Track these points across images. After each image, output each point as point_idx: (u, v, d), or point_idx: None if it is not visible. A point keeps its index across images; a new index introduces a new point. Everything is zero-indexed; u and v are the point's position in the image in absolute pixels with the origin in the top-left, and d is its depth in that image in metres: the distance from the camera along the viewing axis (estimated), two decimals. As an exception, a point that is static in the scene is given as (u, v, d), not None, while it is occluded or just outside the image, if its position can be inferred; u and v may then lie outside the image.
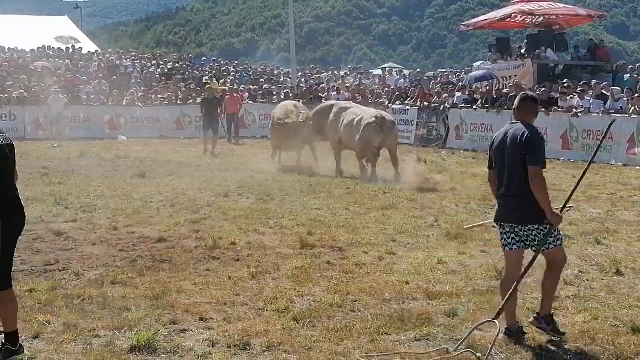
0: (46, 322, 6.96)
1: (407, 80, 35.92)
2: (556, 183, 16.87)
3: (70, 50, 40.54)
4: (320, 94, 33.35)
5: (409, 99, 30.46)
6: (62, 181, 16.88)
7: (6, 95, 31.60)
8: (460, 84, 31.03)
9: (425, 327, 6.84)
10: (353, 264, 9.31)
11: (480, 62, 36.11)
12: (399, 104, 30.36)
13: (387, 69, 44.64)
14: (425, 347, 6.46)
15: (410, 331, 6.79)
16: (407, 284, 8.30)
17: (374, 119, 18.60)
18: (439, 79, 35.39)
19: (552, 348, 6.50)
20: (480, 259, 9.64)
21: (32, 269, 9.03)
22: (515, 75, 29.43)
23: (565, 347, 6.50)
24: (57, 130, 28.12)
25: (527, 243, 6.72)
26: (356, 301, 7.69)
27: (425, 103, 29.10)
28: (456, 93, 28.30)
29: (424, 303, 7.68)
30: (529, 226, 6.59)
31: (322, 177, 17.74)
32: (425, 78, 36.35)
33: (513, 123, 6.78)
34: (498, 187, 6.78)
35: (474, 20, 36.98)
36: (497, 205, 6.88)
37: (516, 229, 6.68)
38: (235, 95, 30.99)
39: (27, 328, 6.78)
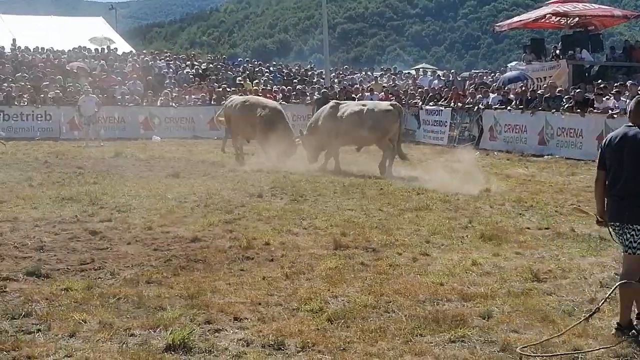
0: (82, 320, 7.00)
1: (441, 81, 35.79)
2: (591, 185, 16.74)
3: (106, 50, 40.82)
4: (353, 95, 33.30)
5: (442, 99, 30.36)
6: (97, 181, 17.00)
7: (42, 95, 31.90)
8: (495, 84, 30.85)
9: (460, 329, 6.81)
10: (387, 264, 9.29)
11: (516, 62, 35.85)
12: (432, 105, 30.26)
13: (420, 69, 44.54)
14: (459, 348, 6.43)
15: (445, 332, 6.76)
16: (442, 285, 8.27)
17: (391, 106, 19.48)
18: (473, 79, 35.20)
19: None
20: (514, 260, 9.58)
21: (68, 268, 9.09)
22: (550, 76, 29.21)
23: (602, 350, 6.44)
24: (93, 130, 28.34)
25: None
26: (390, 302, 7.67)
27: (459, 104, 28.99)
28: (490, 94, 28.12)
29: (458, 304, 7.65)
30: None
31: (356, 178, 17.70)
32: (459, 79, 36.17)
33: (630, 126, 6.87)
34: (611, 186, 6.85)
35: (508, 21, 36.74)
36: (609, 205, 6.89)
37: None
38: (268, 95, 31.04)
39: (63, 326, 6.82)
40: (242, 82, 36.53)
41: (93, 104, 28.56)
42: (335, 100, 22.28)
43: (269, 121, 20.83)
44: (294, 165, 19.31)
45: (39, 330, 6.76)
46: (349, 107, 20.25)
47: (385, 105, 20.32)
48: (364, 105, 20.35)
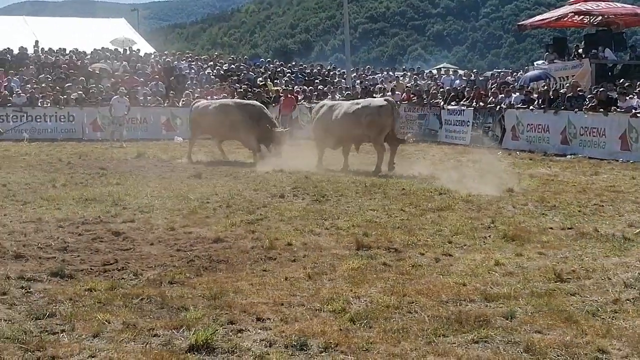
0: (106, 321, 7.03)
1: (463, 80, 35.71)
2: (615, 184, 16.70)
3: (128, 52, 41.00)
4: (375, 95, 33.29)
5: (465, 99, 30.29)
6: (119, 182, 17.08)
7: (64, 96, 32.09)
8: (517, 84, 30.74)
9: (483, 329, 6.79)
10: (409, 265, 9.27)
11: (541, 61, 35.71)
12: (454, 105, 30.20)
13: (442, 69, 44.45)
14: (483, 349, 6.42)
15: (468, 333, 6.74)
16: (464, 286, 8.24)
17: (385, 102, 19.80)
18: (495, 79, 35.09)
19: None
20: (538, 260, 9.54)
21: (91, 269, 9.12)
22: (573, 76, 29.07)
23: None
24: (119, 131, 28.55)
25: None
26: (413, 302, 7.65)
27: (481, 103, 28.91)
28: (513, 93, 28.02)
29: (481, 305, 7.62)
30: None
31: (377, 178, 17.70)
32: (481, 78, 36.07)
33: None
34: None
35: (530, 20, 36.58)
36: None
37: None
38: (289, 96, 31.08)
39: (87, 327, 6.86)
40: (264, 83, 36.60)
41: (124, 106, 28.83)
42: (328, 101, 22.58)
43: (252, 119, 21.82)
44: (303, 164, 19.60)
45: (63, 330, 6.79)
46: (343, 106, 20.54)
47: (379, 101, 20.57)
48: (357, 103, 20.58)
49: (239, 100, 26.01)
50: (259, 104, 24.00)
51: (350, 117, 19.90)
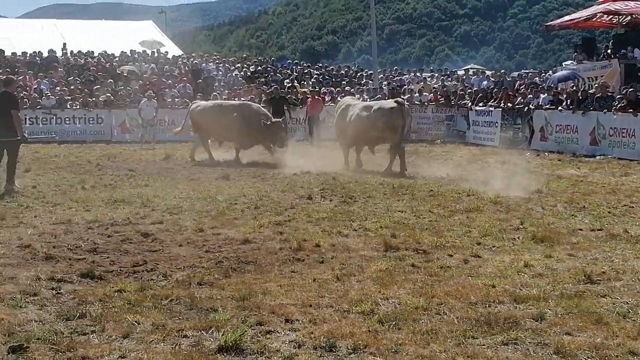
0: (135, 322, 7.06)
1: (490, 81, 35.57)
2: (645, 185, 16.58)
3: (156, 54, 41.21)
4: (402, 96, 33.25)
5: (492, 100, 30.16)
6: (148, 183, 17.16)
7: (93, 99, 32.32)
8: (545, 84, 30.58)
9: (513, 331, 6.75)
10: (438, 266, 9.24)
11: (570, 62, 35.51)
12: (482, 106, 30.09)
13: (470, 70, 44.31)
14: (512, 351, 6.38)
15: (497, 335, 6.70)
16: (493, 287, 8.21)
17: (395, 104, 19.93)
18: (523, 79, 34.91)
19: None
20: (567, 262, 9.47)
21: (120, 270, 9.17)
22: (602, 76, 28.89)
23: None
24: (149, 134, 28.76)
25: None
26: (441, 304, 7.62)
27: (509, 104, 28.78)
28: (541, 94, 27.86)
29: (510, 306, 7.58)
30: None
31: (404, 179, 17.68)
32: (509, 79, 35.92)
33: None
34: None
35: (558, 21, 36.38)
36: None
37: None
38: (317, 97, 31.08)
39: (116, 327, 6.89)
40: (291, 84, 36.64)
41: (153, 109, 29.07)
42: (349, 99, 22.72)
43: (252, 118, 22.30)
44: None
45: (93, 331, 6.82)
46: (356, 108, 20.79)
47: (389, 103, 20.64)
48: (369, 106, 20.78)
49: (233, 101, 26.72)
50: (254, 104, 24.83)
51: (363, 119, 20.19)
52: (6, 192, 15.27)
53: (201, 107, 23.85)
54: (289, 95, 32.31)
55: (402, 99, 21.18)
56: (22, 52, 38.41)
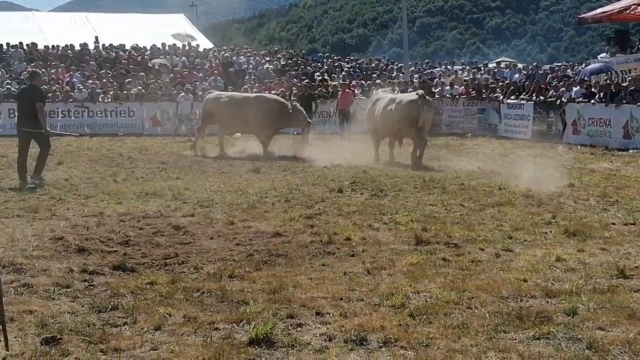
0: (167, 314, 7.09)
1: (522, 74, 35.32)
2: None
3: (187, 47, 41.35)
4: (433, 89, 33.16)
5: (524, 93, 29.96)
6: (179, 176, 17.25)
7: (125, 92, 32.51)
8: (577, 77, 30.34)
9: (545, 326, 6.70)
10: (469, 260, 9.20)
11: (604, 54, 35.20)
12: (514, 99, 29.91)
13: (501, 63, 44.03)
14: (544, 346, 6.34)
15: (529, 329, 6.67)
16: (525, 282, 8.16)
17: (416, 96, 20.09)
18: (555, 72, 34.66)
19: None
20: (600, 256, 9.40)
21: (152, 262, 9.22)
22: (635, 69, 28.62)
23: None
24: (187, 128, 28.93)
25: None
26: (473, 298, 7.59)
27: (541, 97, 28.57)
28: (573, 87, 27.63)
29: (542, 301, 7.53)
30: None
31: (435, 172, 17.62)
32: (541, 72, 35.66)
33: None
34: None
35: (591, 13, 36.08)
36: None
37: None
38: (347, 90, 31.03)
39: (148, 320, 6.93)
40: (322, 78, 36.62)
41: (190, 103, 29.28)
42: (381, 92, 22.78)
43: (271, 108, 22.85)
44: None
45: (125, 323, 6.87)
46: (383, 101, 20.96)
47: (410, 96, 20.75)
48: (394, 98, 20.94)
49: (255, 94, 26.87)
50: (269, 94, 25.93)
51: (387, 112, 20.42)
52: (30, 182, 15.38)
53: (216, 98, 23.98)
54: (318, 89, 32.33)
55: (423, 92, 21.01)
56: (55, 46, 38.69)
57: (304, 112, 23.60)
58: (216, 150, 23.18)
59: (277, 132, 23.59)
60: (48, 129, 16.54)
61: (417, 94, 20.49)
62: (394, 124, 19.99)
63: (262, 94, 26.23)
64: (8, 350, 6.15)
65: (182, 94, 30.06)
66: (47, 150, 16.31)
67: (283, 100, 24.30)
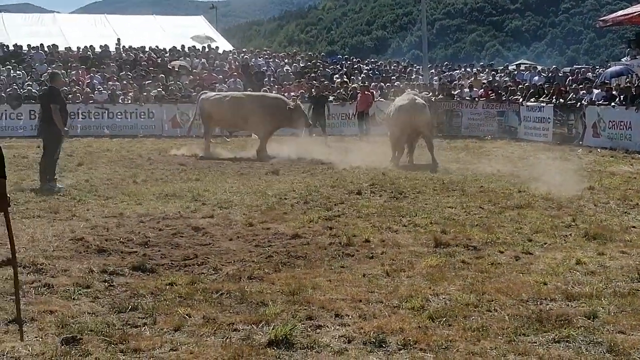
0: (186, 315, 7.11)
1: (542, 77, 35.18)
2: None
3: (206, 49, 41.45)
4: (452, 91, 33.10)
5: (544, 95, 29.83)
6: (199, 177, 17.30)
7: (144, 93, 32.63)
8: (598, 80, 30.18)
9: (565, 329, 6.67)
10: (488, 263, 9.18)
11: (625, 57, 35.01)
12: (534, 101, 29.80)
13: (521, 65, 43.88)
14: (564, 349, 6.32)
15: (549, 332, 6.64)
16: (545, 285, 8.13)
17: (406, 102, 20.22)
18: (575, 75, 34.51)
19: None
20: (620, 260, 9.35)
21: (172, 263, 9.25)
22: (656, 71, 28.48)
23: None
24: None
25: None
26: (492, 301, 7.57)
27: (561, 100, 28.45)
28: (594, 90, 27.49)
29: (562, 304, 7.50)
30: None
31: (454, 175, 17.57)
32: (561, 74, 35.52)
33: None
34: None
35: (612, 15, 35.85)
36: None
37: None
38: (366, 93, 31.03)
39: (168, 320, 6.95)
40: (340, 80, 36.65)
41: None
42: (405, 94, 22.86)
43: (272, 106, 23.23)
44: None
45: (145, 324, 6.89)
46: (396, 102, 21.24)
47: (402, 101, 20.84)
48: (395, 103, 21.34)
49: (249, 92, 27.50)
50: (270, 94, 26.46)
51: (389, 117, 20.92)
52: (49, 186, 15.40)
53: (214, 98, 24.22)
54: (331, 91, 32.47)
55: (414, 97, 21.06)
56: (75, 47, 38.89)
57: (306, 113, 23.82)
58: (235, 151, 23.27)
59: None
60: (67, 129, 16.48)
61: (408, 99, 20.58)
62: (393, 128, 20.19)
63: (264, 93, 26.53)
64: (22, 340, 6.25)
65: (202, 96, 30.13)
66: (51, 157, 15.78)
67: (284, 98, 24.49)
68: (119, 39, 41.20)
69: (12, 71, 34.31)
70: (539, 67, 40.68)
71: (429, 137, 20.23)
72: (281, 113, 22.80)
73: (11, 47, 38.29)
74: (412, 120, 19.65)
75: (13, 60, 36.04)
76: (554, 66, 41.24)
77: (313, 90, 30.57)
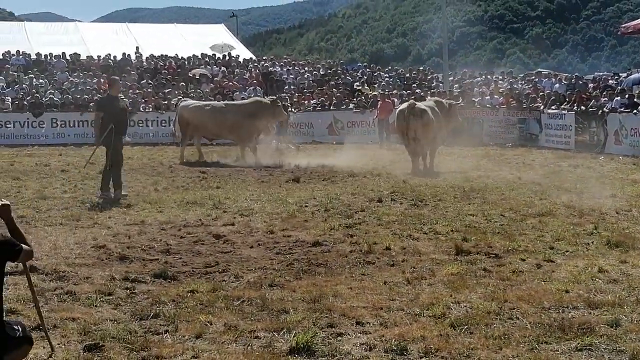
0: (208, 322, 7.13)
1: (563, 84, 35.01)
2: None
3: (227, 57, 41.58)
4: (473, 99, 33.02)
5: (565, 103, 29.70)
6: (219, 185, 17.34)
7: (165, 101, 32.75)
8: (619, 87, 30.00)
9: (587, 337, 6.64)
10: (510, 271, 9.14)
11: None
12: (555, 109, 29.67)
13: (542, 72, 43.68)
14: (587, 357, 6.29)
15: (571, 341, 6.61)
16: (567, 293, 8.08)
17: (405, 106, 20.48)
18: (597, 82, 34.31)
19: None
20: (643, 268, 9.31)
21: (193, 271, 9.28)
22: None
23: None
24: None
25: None
26: (514, 309, 7.54)
27: (582, 107, 28.31)
28: (615, 97, 27.33)
29: (584, 312, 7.46)
30: None
31: (475, 182, 17.52)
32: (581, 82, 35.33)
33: None
34: None
35: (633, 23, 35.65)
36: None
37: None
38: (386, 100, 31.05)
39: (189, 328, 6.97)
40: (360, 88, 36.69)
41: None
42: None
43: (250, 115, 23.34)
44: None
45: (166, 331, 6.92)
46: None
47: (402, 105, 21.42)
48: (401, 105, 21.80)
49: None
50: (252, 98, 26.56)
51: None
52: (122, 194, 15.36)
53: (194, 106, 24.57)
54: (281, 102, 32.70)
55: (414, 101, 21.18)
56: (97, 56, 39.12)
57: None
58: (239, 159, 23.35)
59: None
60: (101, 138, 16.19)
61: (408, 104, 20.74)
62: (397, 133, 20.52)
63: (242, 101, 26.95)
64: (53, 351, 6.27)
65: None
66: (115, 166, 15.53)
67: (260, 98, 24.82)
68: (137, 47, 41.38)
69: (34, 80, 34.55)
70: (560, 75, 40.46)
71: (422, 143, 20.06)
72: (262, 115, 23.09)
73: (33, 56, 38.54)
74: (408, 125, 19.67)
75: (35, 69, 36.32)
76: (575, 73, 40.97)
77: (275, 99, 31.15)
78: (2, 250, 5.50)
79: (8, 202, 5.85)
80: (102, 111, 15.70)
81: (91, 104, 31.28)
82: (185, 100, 26.03)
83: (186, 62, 39.95)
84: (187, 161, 23.19)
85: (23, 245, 5.65)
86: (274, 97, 24.19)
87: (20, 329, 5.62)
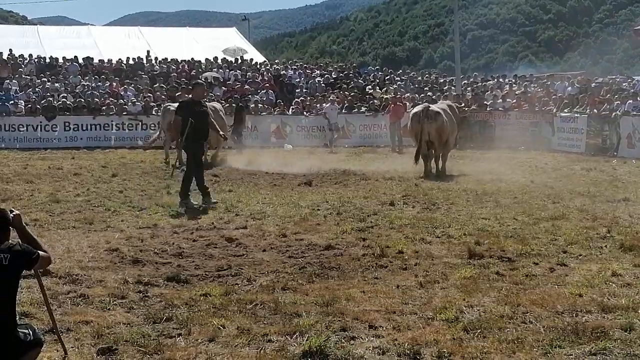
0: (221, 326, 7.13)
1: (575, 87, 34.90)
2: None
3: (239, 60, 41.61)
4: (485, 102, 32.97)
5: (578, 106, 29.61)
6: (232, 189, 17.35)
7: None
8: (632, 90, 29.92)
9: (601, 341, 6.61)
10: (523, 274, 9.12)
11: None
12: (567, 112, 29.60)
13: (555, 75, 43.56)
14: (601, 362, 6.28)
15: (585, 345, 6.59)
16: (580, 297, 8.06)
17: (419, 109, 20.50)
18: (610, 85, 34.19)
19: None
20: (657, 272, 9.27)
21: (206, 274, 9.29)
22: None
23: None
24: (334, 137, 30.49)
25: None
26: (527, 313, 7.53)
27: (595, 110, 28.23)
28: (628, 100, 27.25)
29: (598, 316, 7.44)
30: None
31: (488, 186, 17.48)
32: (593, 85, 35.21)
33: None
34: None
35: (646, 25, 35.59)
36: None
37: None
38: (398, 104, 31.05)
39: (202, 331, 6.98)
40: (372, 91, 36.70)
41: (336, 113, 29.91)
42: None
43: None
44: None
45: (179, 334, 6.93)
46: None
47: (416, 109, 21.28)
48: (415, 108, 21.70)
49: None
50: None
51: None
52: (207, 201, 14.95)
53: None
54: (244, 104, 32.69)
55: (428, 105, 21.26)
56: (109, 59, 39.21)
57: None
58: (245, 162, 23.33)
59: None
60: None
61: (422, 106, 20.96)
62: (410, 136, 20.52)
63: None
64: (67, 354, 6.30)
65: (328, 105, 31.59)
66: (191, 171, 15.09)
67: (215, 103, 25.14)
68: (148, 51, 41.44)
69: (47, 83, 34.64)
70: (572, 78, 40.35)
71: (435, 146, 20.07)
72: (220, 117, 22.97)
73: (47, 59, 38.67)
74: (422, 127, 19.65)
75: (48, 73, 36.42)
76: (589, 79, 40.80)
77: (233, 101, 31.36)
78: (21, 261, 5.56)
79: (19, 212, 5.88)
80: (181, 115, 15.08)
81: (103, 107, 31.52)
82: (171, 104, 25.97)
83: (198, 65, 39.95)
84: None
85: (40, 252, 5.70)
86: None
87: (30, 332, 5.66)
